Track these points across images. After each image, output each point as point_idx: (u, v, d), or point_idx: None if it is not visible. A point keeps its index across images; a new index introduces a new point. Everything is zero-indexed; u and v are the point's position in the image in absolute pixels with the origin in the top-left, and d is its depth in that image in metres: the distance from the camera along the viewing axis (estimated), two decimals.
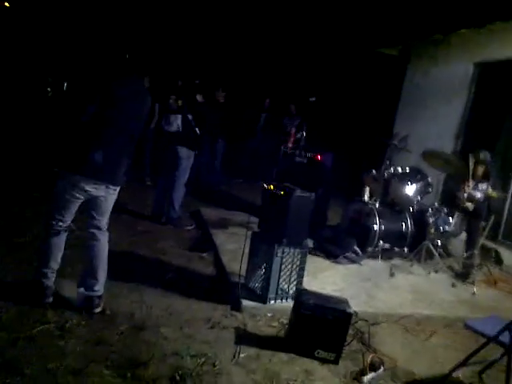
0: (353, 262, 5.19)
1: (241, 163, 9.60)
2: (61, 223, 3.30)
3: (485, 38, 6.62)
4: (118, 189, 3.42)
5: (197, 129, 5.74)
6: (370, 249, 5.32)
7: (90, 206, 3.37)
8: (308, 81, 10.17)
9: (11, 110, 11.57)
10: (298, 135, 6.78)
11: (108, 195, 3.36)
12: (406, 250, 5.44)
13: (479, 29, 6.54)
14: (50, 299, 3.31)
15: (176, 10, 10.61)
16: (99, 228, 3.40)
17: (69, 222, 3.35)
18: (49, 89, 13.38)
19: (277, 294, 3.80)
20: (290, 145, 6.62)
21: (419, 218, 5.52)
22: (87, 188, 3.23)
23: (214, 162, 8.79)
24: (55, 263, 3.32)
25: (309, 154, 6.26)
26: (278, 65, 11.06)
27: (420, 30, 7.59)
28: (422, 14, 7.41)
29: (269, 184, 4.03)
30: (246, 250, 4.04)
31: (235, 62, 10.82)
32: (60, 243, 3.33)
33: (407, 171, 5.64)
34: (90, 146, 3.21)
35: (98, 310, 3.35)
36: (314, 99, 6.72)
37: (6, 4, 15.19)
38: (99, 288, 3.38)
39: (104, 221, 3.42)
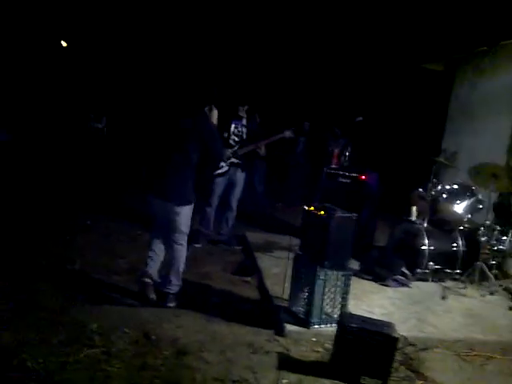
0: (402, 284, 5.01)
1: (283, 186, 9.57)
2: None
3: None
4: (178, 208, 3.86)
5: None
6: (419, 270, 5.13)
7: None
8: (351, 101, 10.11)
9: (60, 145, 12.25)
10: (342, 157, 6.71)
11: (167, 212, 3.88)
12: (457, 271, 5.22)
13: None
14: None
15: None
16: (165, 239, 4.03)
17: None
18: (100, 125, 14.00)
19: (321, 318, 3.73)
20: (333, 166, 6.56)
21: (470, 237, 5.29)
22: (153, 204, 3.98)
23: (254, 183, 8.70)
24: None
25: (353, 174, 6.17)
26: (320, 85, 11.08)
27: (464, 42, 7.42)
28: (466, 27, 7.25)
29: (310, 206, 4.01)
30: (290, 273, 4.01)
31: (277, 87, 10.96)
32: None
33: (455, 188, 5.44)
34: (147, 167, 4.15)
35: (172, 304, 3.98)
36: (360, 119, 6.61)
37: (64, 43, 16.14)
38: (169, 287, 4.01)
39: (170, 236, 3.97)
